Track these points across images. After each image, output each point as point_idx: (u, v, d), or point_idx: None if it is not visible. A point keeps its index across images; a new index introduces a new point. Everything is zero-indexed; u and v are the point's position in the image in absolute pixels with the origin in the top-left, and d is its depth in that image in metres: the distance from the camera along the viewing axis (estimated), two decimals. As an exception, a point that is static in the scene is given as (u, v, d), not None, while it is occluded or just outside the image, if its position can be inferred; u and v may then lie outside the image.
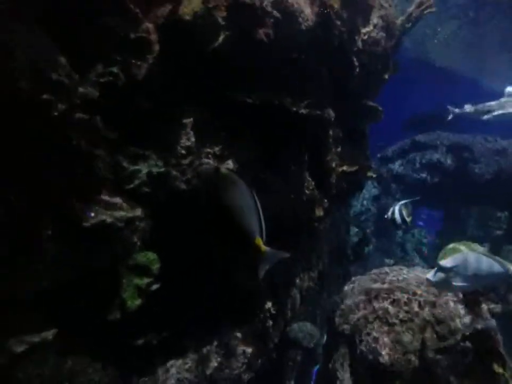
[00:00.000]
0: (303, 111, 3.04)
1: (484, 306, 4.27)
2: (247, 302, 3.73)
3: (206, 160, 3.11)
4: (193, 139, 3.15)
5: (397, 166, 11.20)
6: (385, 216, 3.19)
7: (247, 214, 1.54)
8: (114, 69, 2.68)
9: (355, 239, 6.34)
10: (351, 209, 9.77)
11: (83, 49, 2.88)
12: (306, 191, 3.56)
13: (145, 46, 2.99)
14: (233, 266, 3.59)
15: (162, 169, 2.99)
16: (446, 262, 3.11)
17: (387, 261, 10.83)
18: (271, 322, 3.90)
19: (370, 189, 10.92)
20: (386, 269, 4.68)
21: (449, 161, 10.75)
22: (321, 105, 3.74)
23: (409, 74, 16.07)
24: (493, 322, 4.25)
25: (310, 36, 3.78)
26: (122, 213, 2.47)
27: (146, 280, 2.72)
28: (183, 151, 3.16)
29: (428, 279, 3.15)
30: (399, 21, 5.07)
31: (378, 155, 11.84)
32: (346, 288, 4.63)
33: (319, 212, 3.93)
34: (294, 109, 3.02)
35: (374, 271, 4.74)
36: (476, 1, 10.91)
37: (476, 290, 4.35)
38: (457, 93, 18.90)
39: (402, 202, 3.28)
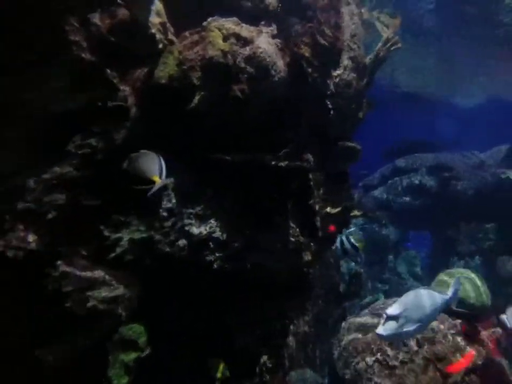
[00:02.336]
0: (282, 164, 3.08)
1: (483, 333, 4.24)
2: (243, 360, 3.64)
3: (188, 221, 3.10)
4: (174, 200, 3.15)
5: (379, 193, 11.36)
6: (333, 248, 3.09)
7: (150, 166, 2.47)
8: (93, 141, 2.69)
9: (347, 276, 6.32)
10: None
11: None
12: (292, 239, 3.55)
13: (122, 113, 3.03)
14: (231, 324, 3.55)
15: (144, 235, 2.97)
16: (394, 310, 2.83)
17: (380, 286, 10.82)
18: (268, 377, 3.79)
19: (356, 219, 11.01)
20: (381, 303, 4.66)
21: (430, 182, 10.97)
22: (300, 152, 3.80)
23: (385, 100, 16.62)
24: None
25: (284, 85, 3.90)
26: (104, 294, 2.41)
27: (133, 356, 2.63)
28: (165, 214, 3.15)
29: (379, 335, 2.82)
30: (368, 60, 5.26)
31: (361, 183, 12.02)
32: (342, 328, 4.57)
33: (307, 257, 3.90)
34: (273, 162, 3.06)
35: (370, 307, 4.71)
36: (441, 21, 11.32)
37: (472, 318, 4.32)
38: (433, 114, 19.61)
39: (349, 230, 3.22)
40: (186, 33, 3.92)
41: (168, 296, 3.45)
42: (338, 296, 5.35)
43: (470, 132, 23.04)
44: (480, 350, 3.82)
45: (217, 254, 3.18)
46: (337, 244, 3.04)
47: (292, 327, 4.46)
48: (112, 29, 3.62)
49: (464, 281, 4.17)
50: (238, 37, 3.71)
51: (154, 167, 2.47)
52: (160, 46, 3.51)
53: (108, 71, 3.44)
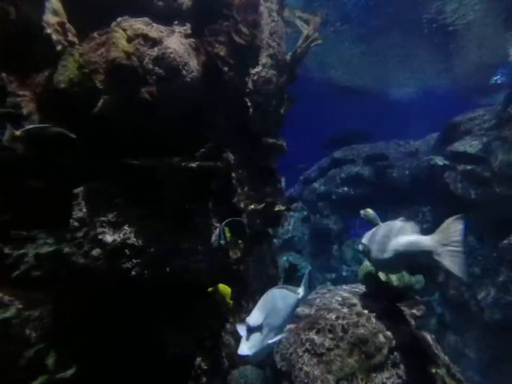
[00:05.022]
0: (192, 165, 3.05)
1: (407, 312, 4.44)
2: (177, 365, 3.59)
3: (101, 229, 2.98)
4: (85, 209, 3.02)
5: (319, 185, 11.67)
6: (212, 242, 3.06)
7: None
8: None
9: (283, 269, 6.42)
10: (281, 237, 10.04)
11: None
12: (215, 238, 3.54)
13: (13, 120, 2.84)
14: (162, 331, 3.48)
15: (52, 248, 2.82)
16: (256, 319, 2.47)
17: (328, 275, 11.15)
18: (204, 379, 3.76)
19: (297, 212, 11.28)
20: (314, 294, 4.78)
21: (367, 172, 11.42)
22: (220, 150, 3.79)
23: (321, 95, 17.11)
24: (418, 326, 4.43)
25: (199, 85, 3.86)
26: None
27: (40, 380, 2.48)
28: (76, 224, 3.01)
29: (243, 357, 2.39)
30: (288, 57, 5.36)
31: (301, 177, 12.27)
32: (279, 322, 4.62)
33: (235, 254, 3.92)
34: (183, 164, 3.02)
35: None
36: (371, 17, 11.73)
37: (396, 298, 4.52)
38: (368, 106, 20.45)
39: (225, 222, 3.19)
40: (95, 34, 3.75)
41: (93, 310, 3.32)
42: (277, 289, 5.43)
43: (405, 121, 24.35)
44: (404, 329, 4.01)
45: (134, 261, 3.09)
46: (215, 237, 3.04)
47: (228, 326, 4.46)
48: (4, 28, 3.39)
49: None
50: (145, 37, 3.61)
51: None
52: (59, 47, 3.33)
53: (3, 75, 3.25)
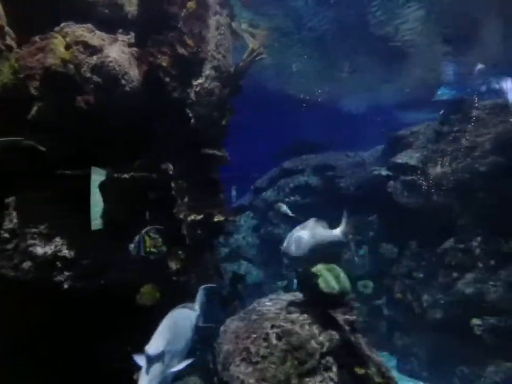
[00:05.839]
0: (126, 175, 3.06)
1: (340, 318, 4.59)
2: (113, 380, 3.53)
3: (32, 241, 2.91)
4: (16, 220, 2.94)
5: (269, 194, 11.89)
6: (130, 249, 3.07)
7: None
8: None
9: (227, 279, 6.46)
10: (231, 246, 10.11)
11: None
12: (153, 249, 3.54)
13: None
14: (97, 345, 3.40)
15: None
16: (155, 347, 2.19)
17: (279, 283, 11.30)
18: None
19: (248, 221, 11.43)
20: (255, 303, 4.86)
21: (316, 181, 11.78)
22: (159, 161, 3.82)
23: (275, 106, 17.45)
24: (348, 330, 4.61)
25: (140, 95, 3.87)
26: None
27: None
28: (7, 235, 2.93)
29: None
30: (233, 69, 5.47)
31: (252, 186, 12.42)
32: (221, 332, 4.67)
33: (175, 265, 3.94)
34: (116, 175, 3.02)
35: (246, 308, 4.89)
36: (322, 28, 12.07)
37: (330, 305, 4.67)
38: (321, 117, 21.11)
39: (145, 230, 3.22)
40: (37, 38, 3.66)
41: (33, 323, 3.19)
42: (222, 299, 5.47)
43: (356, 132, 25.38)
44: (337, 334, 4.16)
45: (66, 273, 3.04)
46: (134, 245, 3.08)
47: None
48: None
49: (323, 272, 4.56)
50: (86, 44, 3.57)
51: None
52: (-5, 51, 3.22)
53: None
